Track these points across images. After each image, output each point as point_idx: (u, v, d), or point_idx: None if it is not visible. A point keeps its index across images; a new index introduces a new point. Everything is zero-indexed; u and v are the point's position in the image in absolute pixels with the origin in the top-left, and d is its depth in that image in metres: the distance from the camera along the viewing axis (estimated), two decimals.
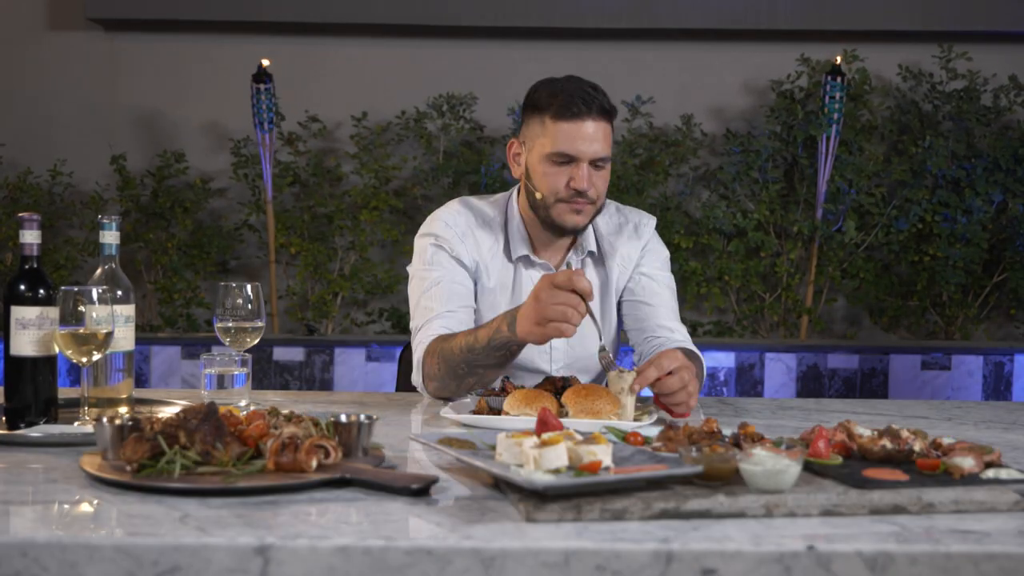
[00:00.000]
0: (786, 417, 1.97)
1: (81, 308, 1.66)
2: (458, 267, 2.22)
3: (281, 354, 4.39)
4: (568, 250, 2.28)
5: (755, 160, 4.66)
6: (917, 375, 4.39)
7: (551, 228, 2.20)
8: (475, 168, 4.67)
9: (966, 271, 4.67)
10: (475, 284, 2.25)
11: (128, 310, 1.80)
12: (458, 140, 4.78)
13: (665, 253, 2.38)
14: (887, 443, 1.44)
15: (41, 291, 1.69)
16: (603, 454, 1.30)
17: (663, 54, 4.90)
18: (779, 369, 4.41)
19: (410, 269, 2.28)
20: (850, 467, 1.40)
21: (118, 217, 1.83)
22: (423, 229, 2.28)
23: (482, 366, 2.01)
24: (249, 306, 1.93)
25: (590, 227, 2.27)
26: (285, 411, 1.50)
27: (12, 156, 4.85)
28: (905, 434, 1.47)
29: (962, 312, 4.72)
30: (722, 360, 4.41)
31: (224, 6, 4.73)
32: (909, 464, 1.42)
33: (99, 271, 1.80)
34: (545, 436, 1.34)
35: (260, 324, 1.94)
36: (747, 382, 4.40)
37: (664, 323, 2.27)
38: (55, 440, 1.58)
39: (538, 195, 2.17)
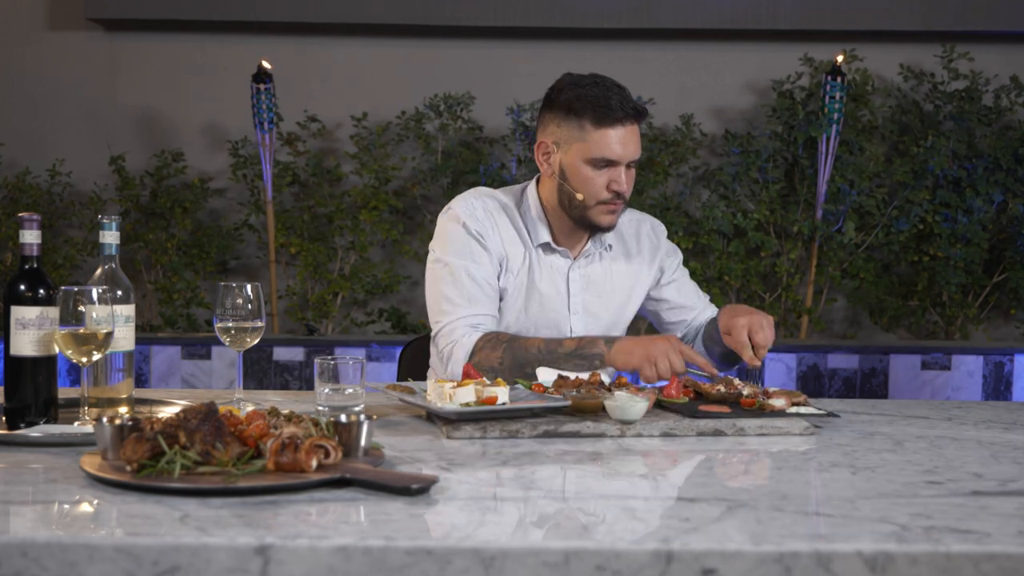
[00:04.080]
0: None
1: (81, 308, 1.66)
2: (486, 257, 2.26)
3: (281, 354, 4.39)
4: (587, 240, 2.36)
5: (755, 160, 4.66)
6: (917, 375, 4.39)
7: (585, 226, 2.29)
8: (474, 168, 4.67)
9: (966, 271, 4.67)
10: (500, 271, 2.30)
11: (128, 310, 1.80)
12: (456, 140, 4.78)
13: (680, 255, 2.56)
14: (722, 388, 1.94)
15: (41, 291, 1.69)
16: (501, 394, 1.76)
17: (663, 54, 4.90)
18: (779, 369, 4.41)
19: (434, 250, 2.29)
20: (691, 405, 1.89)
21: (118, 217, 1.83)
22: (450, 212, 2.30)
23: (560, 368, 2.14)
24: (249, 306, 1.93)
25: None
26: (285, 411, 1.50)
27: (11, 156, 4.85)
28: (738, 382, 1.96)
29: (962, 312, 4.72)
30: None
31: (224, 6, 4.73)
32: (736, 403, 1.90)
33: (99, 271, 1.80)
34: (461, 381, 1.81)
35: (260, 324, 1.94)
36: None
37: (710, 315, 2.46)
38: (55, 440, 1.58)
39: (579, 196, 2.23)
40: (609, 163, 2.21)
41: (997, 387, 4.38)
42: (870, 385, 4.39)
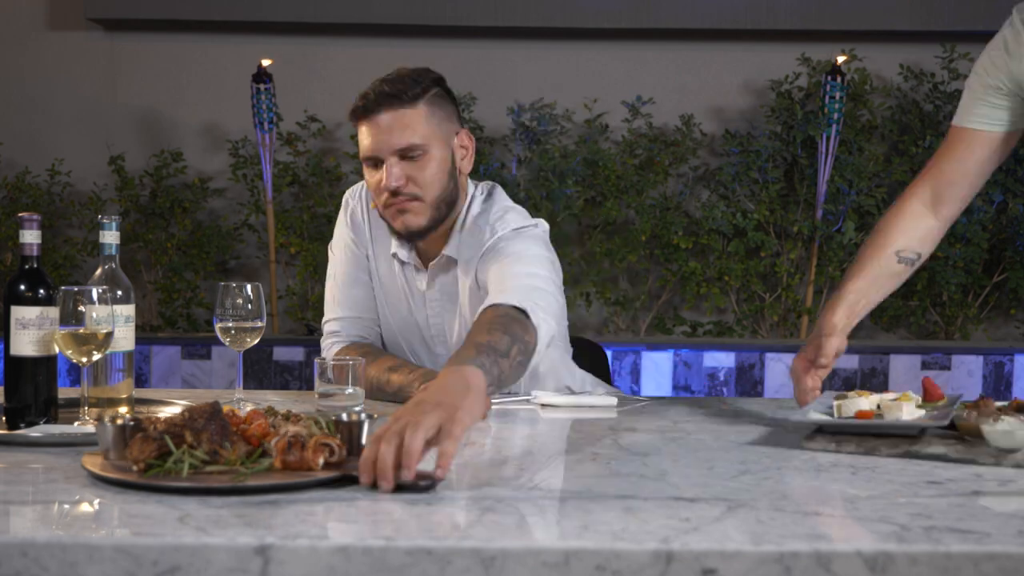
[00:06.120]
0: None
1: (81, 308, 1.66)
2: (351, 247, 2.25)
3: (281, 354, 4.39)
4: (442, 247, 2.13)
5: (755, 160, 4.66)
6: (917, 375, 4.39)
7: (395, 234, 2.14)
8: (474, 168, 4.66)
9: (966, 271, 4.67)
10: (369, 265, 2.24)
11: (128, 310, 1.80)
12: None
13: (506, 228, 2.08)
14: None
15: (41, 291, 1.69)
16: (905, 411, 1.65)
17: (663, 54, 4.90)
18: (779, 369, 4.40)
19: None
20: None
21: (118, 217, 1.83)
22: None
23: (387, 400, 2.05)
24: (249, 306, 1.93)
25: (462, 227, 2.13)
26: (282, 411, 1.50)
27: (10, 156, 4.85)
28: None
29: (962, 312, 4.72)
30: (722, 360, 4.41)
31: (224, 6, 4.73)
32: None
33: (99, 271, 1.80)
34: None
35: (260, 324, 1.94)
36: (747, 382, 4.40)
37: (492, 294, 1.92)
38: (55, 440, 1.58)
39: (372, 204, 2.16)
40: (376, 161, 2.05)
41: (997, 387, 4.38)
42: (870, 385, 4.39)
